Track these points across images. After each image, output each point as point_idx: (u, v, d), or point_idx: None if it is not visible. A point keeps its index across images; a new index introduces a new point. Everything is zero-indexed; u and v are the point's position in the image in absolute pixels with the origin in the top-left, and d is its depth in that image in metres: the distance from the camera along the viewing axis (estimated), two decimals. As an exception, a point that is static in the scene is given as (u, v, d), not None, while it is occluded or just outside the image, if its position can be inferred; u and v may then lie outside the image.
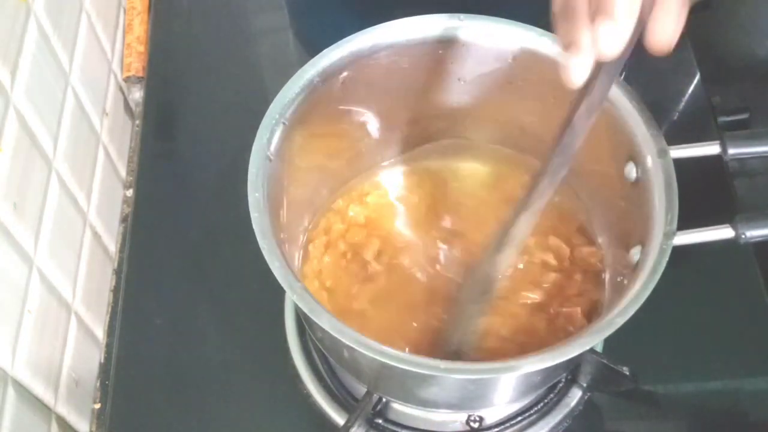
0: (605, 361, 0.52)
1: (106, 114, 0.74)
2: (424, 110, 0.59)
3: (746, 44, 0.76)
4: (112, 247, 0.73)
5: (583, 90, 0.41)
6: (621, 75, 0.51)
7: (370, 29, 0.53)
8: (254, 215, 0.45)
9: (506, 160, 0.61)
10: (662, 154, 0.48)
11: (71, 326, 0.62)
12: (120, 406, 0.60)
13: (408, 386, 0.50)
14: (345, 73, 0.53)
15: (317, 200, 0.59)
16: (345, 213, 0.60)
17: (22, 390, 0.54)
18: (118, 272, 0.71)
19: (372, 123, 0.59)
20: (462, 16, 0.53)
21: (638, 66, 0.72)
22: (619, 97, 0.50)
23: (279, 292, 0.61)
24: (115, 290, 0.71)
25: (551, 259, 0.57)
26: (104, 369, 0.66)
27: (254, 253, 0.44)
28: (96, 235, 0.69)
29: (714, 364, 0.60)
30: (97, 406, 0.64)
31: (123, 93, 0.80)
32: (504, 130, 0.60)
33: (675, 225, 0.45)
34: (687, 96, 0.73)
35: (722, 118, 0.71)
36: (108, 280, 0.71)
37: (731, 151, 0.47)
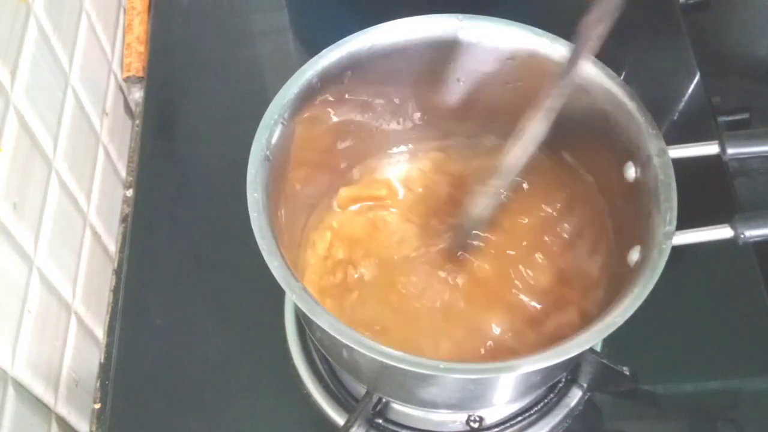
0: (605, 361, 0.53)
1: (106, 114, 0.74)
2: (423, 110, 0.59)
3: (746, 44, 0.76)
4: (112, 247, 0.73)
5: None
6: (621, 75, 0.51)
7: (370, 29, 0.53)
8: (253, 215, 0.45)
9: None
10: (661, 153, 0.48)
11: (71, 326, 0.62)
12: (120, 406, 0.60)
13: (408, 386, 0.50)
14: (344, 74, 0.53)
15: (317, 200, 0.59)
16: (343, 212, 0.60)
17: (22, 390, 0.54)
18: (118, 272, 0.71)
19: (371, 123, 0.59)
20: (461, 16, 0.53)
21: (638, 66, 0.72)
22: (618, 96, 0.50)
23: (279, 292, 0.61)
24: (115, 290, 0.71)
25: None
26: (104, 369, 0.66)
27: (254, 253, 0.44)
28: (96, 235, 0.69)
29: (714, 364, 0.60)
30: (97, 406, 0.64)
31: (123, 93, 0.80)
32: (503, 131, 0.60)
33: (674, 225, 0.45)
34: (687, 96, 0.73)
35: (722, 118, 0.71)
36: (108, 280, 0.71)
37: (730, 150, 0.47)
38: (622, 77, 0.51)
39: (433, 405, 0.53)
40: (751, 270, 0.63)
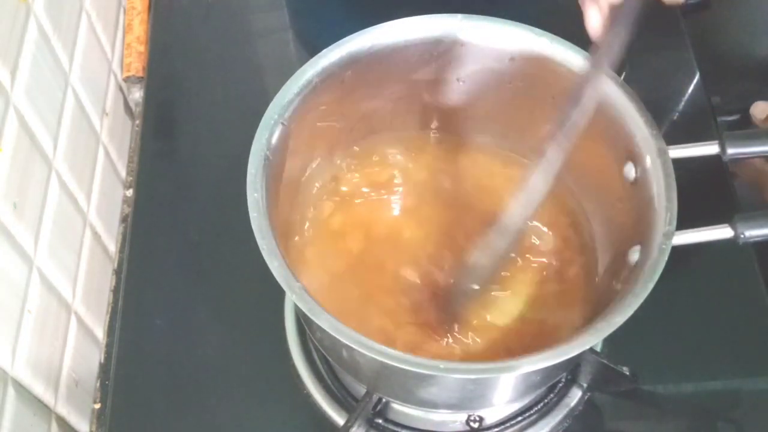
0: (605, 361, 0.53)
1: (106, 114, 0.74)
2: (423, 110, 0.59)
3: (746, 44, 0.76)
4: (112, 247, 0.73)
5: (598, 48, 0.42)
6: (621, 75, 0.51)
7: (370, 29, 0.53)
8: (253, 215, 0.45)
9: (505, 161, 0.61)
10: (661, 153, 0.48)
11: (71, 326, 0.62)
12: (120, 406, 0.60)
13: (408, 386, 0.50)
14: (344, 74, 0.53)
15: (316, 199, 0.59)
16: (342, 210, 0.60)
17: (22, 390, 0.54)
18: (118, 272, 0.71)
19: (371, 123, 0.59)
20: (461, 16, 0.53)
21: (638, 66, 0.72)
22: (618, 97, 0.50)
23: (279, 292, 0.60)
24: (115, 290, 0.71)
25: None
26: (104, 369, 0.66)
27: (254, 253, 0.44)
28: (96, 235, 0.69)
29: (714, 364, 0.60)
30: (97, 406, 0.64)
31: (123, 93, 0.80)
32: (503, 131, 0.60)
33: (674, 225, 0.45)
34: (687, 96, 0.73)
35: (722, 118, 0.71)
36: (108, 280, 0.71)
37: (730, 150, 0.47)
38: (622, 77, 0.51)
39: (433, 405, 0.53)
40: (751, 270, 0.63)
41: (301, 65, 0.52)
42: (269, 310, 0.63)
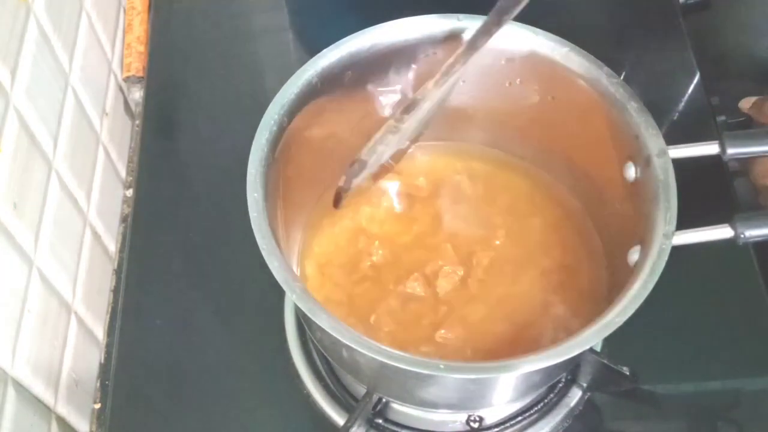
0: (605, 361, 0.52)
1: (106, 114, 0.74)
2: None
3: (746, 44, 0.76)
4: (112, 247, 0.73)
5: None
6: (621, 75, 0.51)
7: (370, 29, 0.53)
8: (253, 215, 0.45)
9: (505, 161, 0.61)
10: (661, 154, 0.48)
11: (71, 326, 0.62)
12: (120, 406, 0.60)
13: (407, 386, 0.50)
14: (344, 74, 0.53)
15: (316, 199, 0.59)
16: (342, 209, 0.60)
17: (22, 390, 0.54)
18: (118, 272, 0.71)
19: (371, 123, 0.59)
20: (461, 16, 0.53)
21: (638, 66, 0.72)
22: (618, 97, 0.50)
23: (279, 292, 0.61)
24: (115, 290, 0.71)
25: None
26: (104, 369, 0.66)
27: (254, 253, 0.44)
28: (96, 235, 0.69)
29: (714, 364, 0.60)
30: (97, 406, 0.64)
31: (123, 93, 0.80)
32: (503, 131, 0.60)
33: (674, 225, 0.45)
34: (686, 96, 0.73)
35: (722, 118, 0.71)
36: (108, 280, 0.71)
37: (730, 150, 0.47)
38: (622, 77, 0.51)
39: (433, 405, 0.53)
40: (751, 270, 0.63)
41: (301, 65, 0.52)
42: (269, 310, 0.63)
